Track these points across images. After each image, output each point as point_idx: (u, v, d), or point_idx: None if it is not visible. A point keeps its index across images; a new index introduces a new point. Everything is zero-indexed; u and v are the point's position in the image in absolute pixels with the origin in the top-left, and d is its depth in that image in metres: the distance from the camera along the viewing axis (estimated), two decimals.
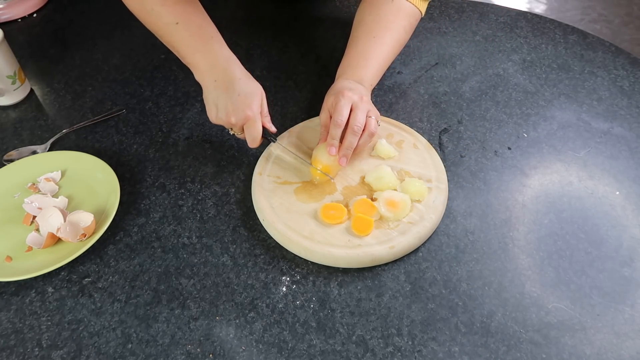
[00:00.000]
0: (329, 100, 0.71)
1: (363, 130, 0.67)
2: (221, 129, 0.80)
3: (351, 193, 0.67)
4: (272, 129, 0.70)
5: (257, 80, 0.69)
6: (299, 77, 0.89)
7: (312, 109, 0.82)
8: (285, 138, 0.75)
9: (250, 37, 0.98)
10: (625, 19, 2.38)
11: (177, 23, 0.67)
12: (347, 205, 0.65)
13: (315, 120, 0.78)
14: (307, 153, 0.72)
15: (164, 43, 0.71)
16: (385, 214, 0.63)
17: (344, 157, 0.67)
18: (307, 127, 0.76)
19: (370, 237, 0.62)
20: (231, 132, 0.71)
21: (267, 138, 0.70)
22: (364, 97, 0.70)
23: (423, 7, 0.80)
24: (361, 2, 0.82)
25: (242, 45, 0.96)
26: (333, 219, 0.63)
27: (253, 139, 0.68)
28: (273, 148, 0.73)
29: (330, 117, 0.69)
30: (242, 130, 0.69)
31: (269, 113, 0.70)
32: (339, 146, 0.67)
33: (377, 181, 0.67)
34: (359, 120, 0.66)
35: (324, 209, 0.64)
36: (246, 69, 0.69)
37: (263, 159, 0.72)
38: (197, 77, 0.69)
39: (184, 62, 0.70)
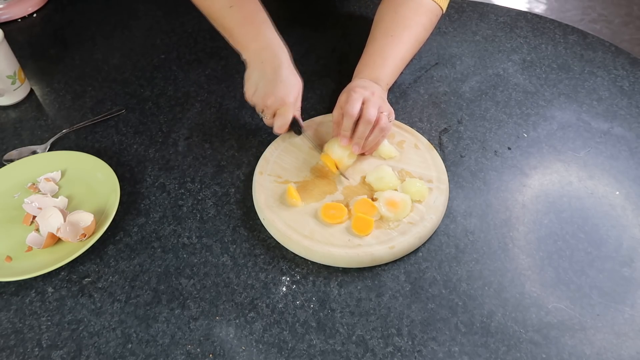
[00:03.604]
0: (341, 98, 0.71)
1: (374, 125, 0.67)
2: (221, 128, 0.80)
3: (352, 193, 0.67)
4: (302, 123, 0.72)
5: None
6: None
7: (312, 109, 0.82)
8: (286, 139, 0.75)
9: None
10: (625, 19, 2.38)
11: (230, 7, 0.71)
12: (347, 205, 0.65)
13: (316, 119, 0.78)
14: (309, 153, 0.72)
15: (216, 27, 0.75)
16: (385, 214, 0.63)
17: (356, 145, 0.68)
18: (309, 128, 0.76)
19: (370, 237, 0.62)
20: (261, 115, 0.72)
21: (294, 129, 0.72)
22: (376, 93, 0.70)
23: (444, 3, 0.80)
24: (381, 1, 0.82)
25: None
26: (333, 219, 0.63)
27: (282, 125, 0.69)
28: (269, 152, 0.73)
29: (343, 115, 0.70)
30: (273, 115, 0.70)
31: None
32: (351, 137, 0.68)
33: (378, 181, 0.67)
34: (370, 112, 0.67)
35: (324, 209, 0.64)
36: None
37: (263, 159, 0.72)
38: (246, 56, 0.72)
39: (234, 45, 0.74)
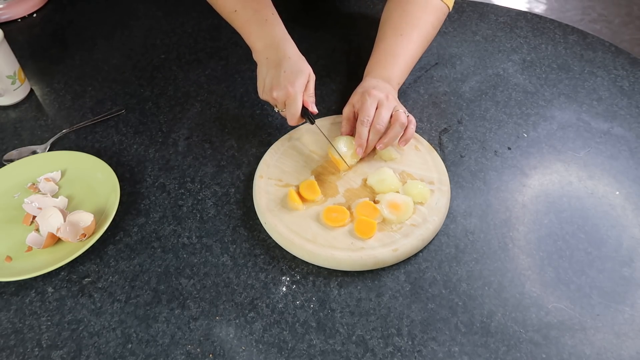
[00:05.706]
0: (355, 97, 0.72)
1: (390, 123, 0.68)
2: (221, 128, 0.80)
3: (353, 196, 0.67)
4: (313, 109, 0.70)
5: None
6: None
7: None
8: (286, 141, 0.75)
9: None
10: (625, 19, 2.38)
11: (235, 11, 0.75)
12: (349, 208, 0.65)
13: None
14: (309, 156, 0.72)
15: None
16: (388, 216, 0.63)
17: (359, 147, 0.68)
18: (308, 131, 0.76)
19: (373, 240, 0.62)
20: (276, 110, 0.73)
21: (307, 119, 0.70)
22: (390, 95, 0.71)
23: (450, 1, 0.80)
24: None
25: (242, 45, 0.96)
26: (336, 222, 0.63)
27: (292, 115, 0.68)
28: (269, 156, 0.72)
29: (354, 113, 0.71)
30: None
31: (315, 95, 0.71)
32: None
33: (379, 183, 0.67)
34: (383, 118, 0.67)
35: (326, 212, 0.64)
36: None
37: (264, 162, 0.72)
38: (254, 56, 0.74)
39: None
